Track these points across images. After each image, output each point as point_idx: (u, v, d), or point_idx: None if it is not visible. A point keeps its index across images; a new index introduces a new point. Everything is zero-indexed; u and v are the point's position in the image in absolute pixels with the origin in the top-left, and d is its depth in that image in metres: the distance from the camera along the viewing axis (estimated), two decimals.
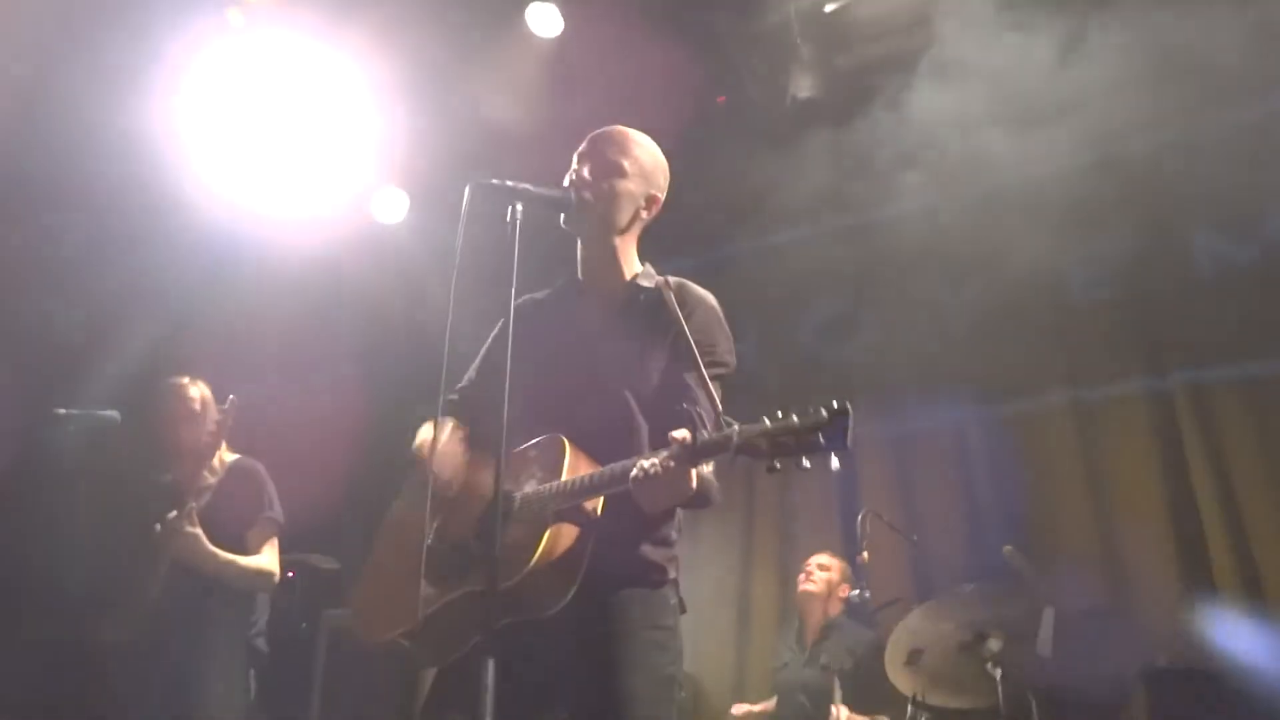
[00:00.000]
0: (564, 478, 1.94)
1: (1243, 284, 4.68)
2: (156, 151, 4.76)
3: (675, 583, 2.12)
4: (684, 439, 1.75)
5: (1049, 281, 5.07)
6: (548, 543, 1.87)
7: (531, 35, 5.00)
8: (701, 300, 2.19)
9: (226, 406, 3.18)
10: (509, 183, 1.96)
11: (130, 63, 4.57)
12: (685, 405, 2.01)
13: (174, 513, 3.01)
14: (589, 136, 2.27)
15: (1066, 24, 4.57)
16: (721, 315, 2.20)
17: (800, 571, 4.66)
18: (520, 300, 2.29)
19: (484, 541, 1.95)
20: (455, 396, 2.35)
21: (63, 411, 3.07)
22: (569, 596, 1.89)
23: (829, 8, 5.07)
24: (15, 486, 3.73)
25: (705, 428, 1.83)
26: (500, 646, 1.85)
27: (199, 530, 3.04)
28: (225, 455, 3.38)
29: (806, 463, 1.66)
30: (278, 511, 3.35)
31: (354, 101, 5.07)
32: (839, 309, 5.76)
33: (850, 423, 1.63)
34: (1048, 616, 3.34)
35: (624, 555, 2.01)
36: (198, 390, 3.39)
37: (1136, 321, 4.90)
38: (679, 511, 2.12)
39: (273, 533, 3.31)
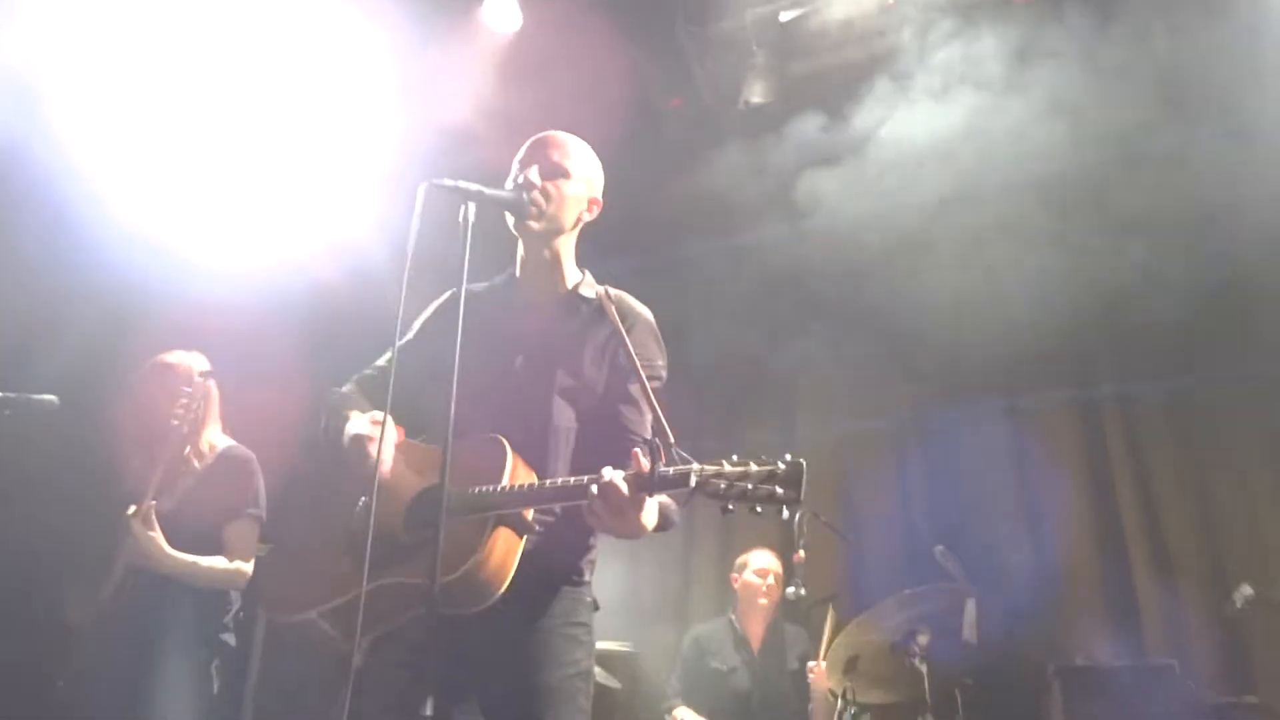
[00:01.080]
0: (505, 483, 1.97)
1: (1170, 299, 4.86)
2: (106, 138, 4.69)
3: (590, 583, 2.19)
4: (640, 467, 1.79)
5: (987, 292, 5.22)
6: (488, 545, 1.91)
7: (488, 30, 5.02)
8: (640, 314, 2.26)
9: (195, 383, 3.06)
10: (462, 183, 1.99)
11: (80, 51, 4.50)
12: (629, 427, 2.09)
13: (131, 509, 2.88)
14: (530, 141, 2.29)
15: (1012, 42, 4.71)
16: (657, 329, 2.27)
17: (738, 571, 4.69)
18: (455, 290, 2.27)
19: (414, 534, 2.01)
20: (371, 372, 2.37)
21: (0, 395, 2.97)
22: (495, 598, 1.94)
23: (784, 16, 5.17)
24: None
25: (661, 458, 1.82)
26: (417, 639, 1.87)
27: (156, 533, 2.89)
28: (217, 440, 3.23)
29: (759, 509, 1.72)
30: (262, 508, 3.17)
31: (310, 94, 5.04)
32: (784, 313, 5.86)
33: (804, 476, 1.70)
34: (970, 607, 3.50)
35: (548, 558, 2.07)
36: (187, 362, 3.22)
37: (1069, 334, 5.06)
38: None
39: (253, 529, 3.14)
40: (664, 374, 2.23)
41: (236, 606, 3.18)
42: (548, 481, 1.97)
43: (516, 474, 1.99)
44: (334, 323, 5.71)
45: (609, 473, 1.82)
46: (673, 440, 1.86)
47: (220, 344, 3.44)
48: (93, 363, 4.18)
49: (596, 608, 2.20)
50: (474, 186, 2.00)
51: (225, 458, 3.20)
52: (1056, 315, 5.10)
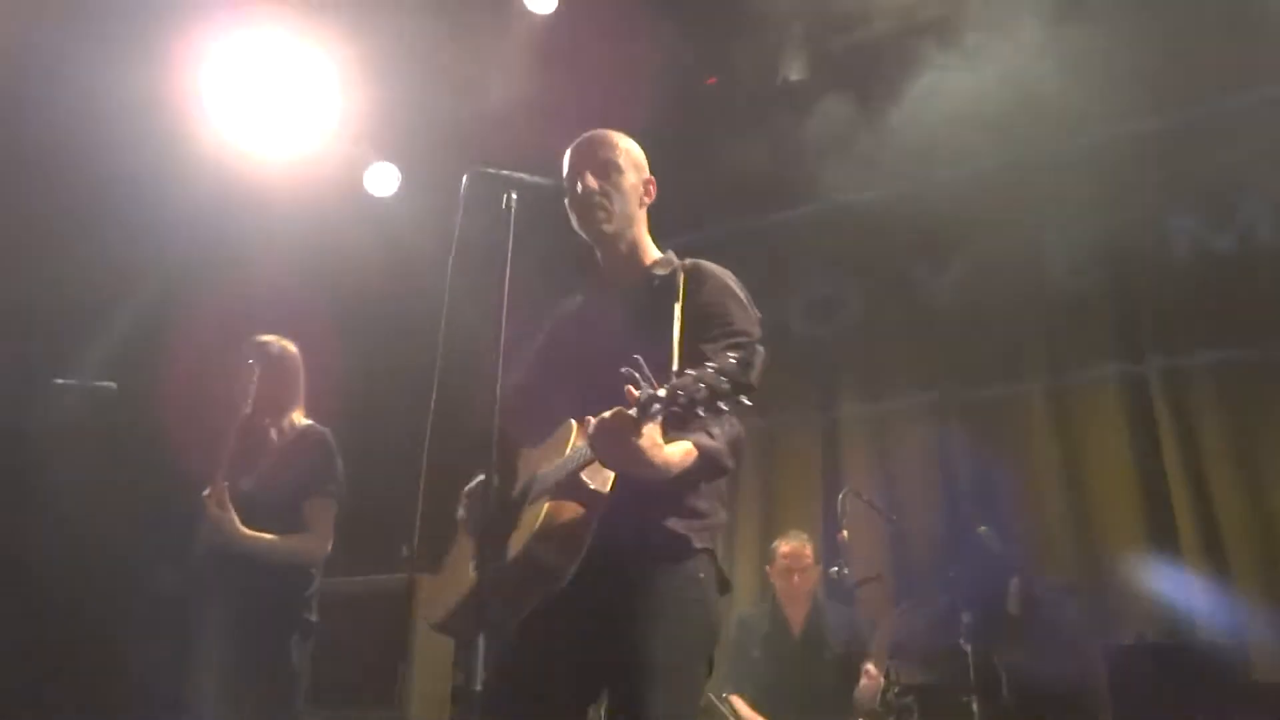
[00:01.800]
0: (565, 456, 2.01)
1: (1218, 270, 4.77)
2: (151, 122, 4.77)
3: (707, 554, 2.10)
4: (629, 393, 1.76)
5: (1029, 267, 5.17)
6: (545, 518, 1.93)
7: (526, 11, 5.02)
8: (713, 274, 2.23)
9: (277, 358, 3.14)
10: (505, 172, 2.02)
11: (125, 32, 4.57)
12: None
13: (207, 492, 2.94)
14: (572, 150, 2.31)
15: (1051, 12, 4.62)
16: (736, 288, 2.23)
17: (770, 561, 4.60)
18: (559, 311, 2.42)
19: (499, 526, 2.03)
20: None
21: (60, 382, 3.06)
22: (572, 570, 1.93)
23: None
24: (13, 459, 3.72)
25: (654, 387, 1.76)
26: (529, 627, 1.98)
27: (230, 513, 2.95)
28: (299, 419, 3.27)
29: (725, 407, 1.70)
30: (340, 484, 3.22)
31: (348, 75, 5.09)
32: (823, 290, 5.83)
33: (756, 363, 1.69)
34: (1014, 585, 3.49)
35: (642, 529, 2.02)
36: (280, 347, 3.28)
37: (1113, 308, 5.00)
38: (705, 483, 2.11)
39: (331, 505, 3.18)
40: (750, 328, 2.14)
41: (317, 583, 3.20)
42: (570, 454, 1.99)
43: (578, 446, 2.02)
44: (373, 305, 5.79)
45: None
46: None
47: (259, 326, 3.50)
48: (142, 346, 4.27)
49: (727, 588, 2.13)
50: (516, 175, 2.02)
51: (304, 436, 3.24)
52: (1101, 288, 5.04)
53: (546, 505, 1.96)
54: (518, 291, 1.99)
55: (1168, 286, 4.87)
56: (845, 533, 4.29)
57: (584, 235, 2.29)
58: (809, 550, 4.54)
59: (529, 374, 2.35)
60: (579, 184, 2.23)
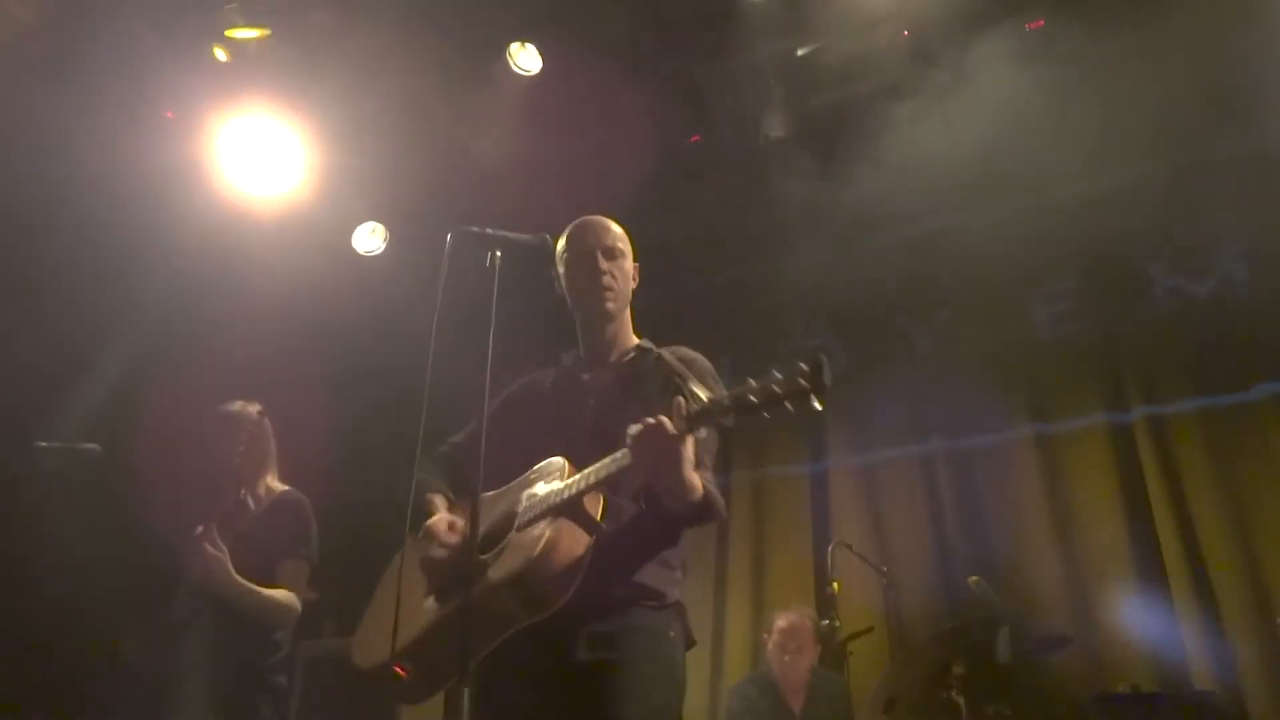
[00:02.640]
0: (568, 480, 2.03)
1: (1198, 318, 4.84)
2: (138, 179, 4.81)
3: (677, 609, 2.13)
4: (680, 404, 1.84)
5: (1013, 318, 5.23)
6: (551, 535, 1.94)
7: (513, 72, 5.10)
8: (697, 359, 2.32)
9: (252, 429, 3.15)
10: (489, 230, 2.05)
11: (113, 91, 4.63)
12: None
13: (199, 529, 2.96)
14: (573, 232, 2.38)
15: (1027, 70, 4.72)
16: (715, 373, 2.31)
17: (768, 631, 4.49)
18: (532, 376, 2.47)
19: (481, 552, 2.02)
20: (446, 449, 2.45)
21: (43, 445, 3.04)
22: (569, 593, 1.93)
23: (801, 51, 5.22)
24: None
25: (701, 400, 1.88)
26: (492, 669, 1.95)
27: (222, 552, 2.97)
28: (275, 485, 3.32)
29: (790, 405, 1.78)
30: (314, 550, 3.25)
31: (336, 135, 5.15)
32: (809, 343, 5.87)
33: (825, 367, 1.77)
34: (1003, 634, 3.47)
35: (621, 574, 2.05)
36: (248, 412, 3.31)
37: (1098, 357, 5.04)
38: (683, 540, 2.17)
39: (304, 569, 3.21)
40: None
41: (286, 650, 3.21)
42: (598, 463, 2.00)
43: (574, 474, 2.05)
44: (362, 365, 5.80)
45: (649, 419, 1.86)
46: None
47: (247, 384, 3.51)
48: (126, 405, 4.27)
49: (691, 643, 2.16)
50: (499, 233, 2.06)
51: (281, 501, 3.27)
52: (1085, 337, 5.09)
53: (551, 523, 1.96)
54: (501, 348, 2.01)
55: (1150, 335, 4.93)
56: (836, 585, 4.27)
57: (578, 311, 2.36)
58: (809, 626, 4.41)
59: (490, 427, 2.28)
60: (590, 263, 2.31)
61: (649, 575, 2.10)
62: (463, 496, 2.25)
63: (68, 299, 4.74)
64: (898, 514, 5.19)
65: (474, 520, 1.92)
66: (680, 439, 1.85)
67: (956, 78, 4.80)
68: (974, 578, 3.98)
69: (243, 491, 3.19)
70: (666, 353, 2.28)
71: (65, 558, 3.49)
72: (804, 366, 1.78)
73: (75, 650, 3.28)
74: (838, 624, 4.31)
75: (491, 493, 2.20)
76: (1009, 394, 5.14)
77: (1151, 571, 4.46)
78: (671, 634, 2.10)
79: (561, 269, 2.38)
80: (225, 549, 2.97)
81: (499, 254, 2.03)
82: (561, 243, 2.40)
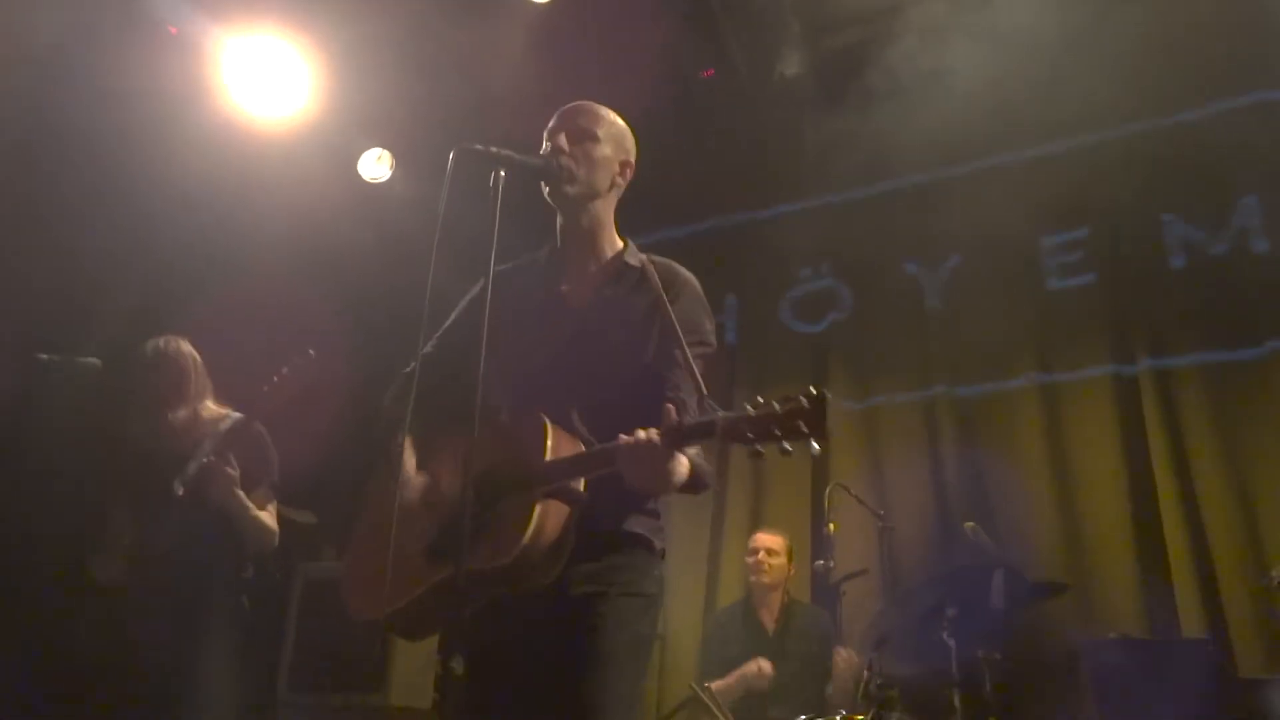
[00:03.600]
0: (548, 458, 1.96)
1: (1211, 274, 4.78)
2: (144, 111, 4.75)
3: (660, 553, 2.15)
4: (671, 420, 1.81)
5: (1022, 266, 5.18)
6: (537, 521, 1.90)
7: (523, 1, 5.00)
8: (687, 281, 2.24)
9: (299, 362, 3.16)
10: (493, 149, 2.00)
11: (119, 21, 4.56)
12: (670, 390, 2.05)
13: (211, 456, 3.04)
14: (558, 112, 2.30)
15: (1048, 13, 4.62)
16: (703, 296, 2.25)
17: (748, 554, 4.63)
18: (497, 269, 2.36)
19: (474, 521, 1.96)
20: (410, 368, 2.35)
21: (44, 357, 3.05)
22: (559, 570, 1.94)
23: None
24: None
25: (688, 412, 1.88)
26: (485, 622, 1.93)
27: (236, 472, 3.08)
28: (218, 409, 3.37)
29: (788, 447, 1.73)
30: (276, 474, 3.35)
31: (343, 61, 5.07)
32: (815, 285, 5.83)
33: (828, 409, 1.70)
34: (998, 577, 3.49)
35: (608, 526, 2.05)
36: (177, 346, 3.37)
37: (1106, 309, 5.00)
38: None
39: (273, 496, 3.32)
40: (713, 340, 2.22)
41: (252, 572, 3.32)
42: (587, 450, 1.98)
43: (560, 447, 1.99)
44: (366, 290, 5.79)
45: (640, 433, 1.84)
46: (705, 392, 1.89)
47: (254, 309, 3.51)
48: (139, 327, 4.27)
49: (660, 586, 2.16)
50: (505, 152, 2.01)
51: (239, 430, 3.26)
52: (1094, 289, 5.05)
53: (536, 511, 1.92)
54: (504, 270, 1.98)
55: (1160, 289, 4.88)
56: (832, 526, 4.29)
57: (549, 201, 2.25)
58: (779, 544, 4.56)
59: (460, 341, 2.24)
60: (549, 144, 2.22)
61: (637, 523, 2.11)
62: (430, 428, 2.16)
63: (75, 220, 4.72)
64: (897, 458, 5.19)
65: (465, 472, 1.82)
66: (669, 455, 1.83)
67: (976, 20, 4.70)
68: (970, 523, 4.00)
69: (183, 413, 3.24)
70: (653, 268, 2.19)
71: (54, 468, 3.52)
72: (805, 403, 1.71)
73: (45, 560, 3.33)
74: (833, 564, 4.33)
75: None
76: (1015, 342, 5.10)
77: (1148, 523, 4.47)
78: (655, 573, 2.13)
79: None
80: (237, 469, 3.06)
81: (504, 174, 1.98)
82: None
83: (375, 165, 5.59)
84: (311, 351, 3.19)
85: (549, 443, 1.98)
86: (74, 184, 4.73)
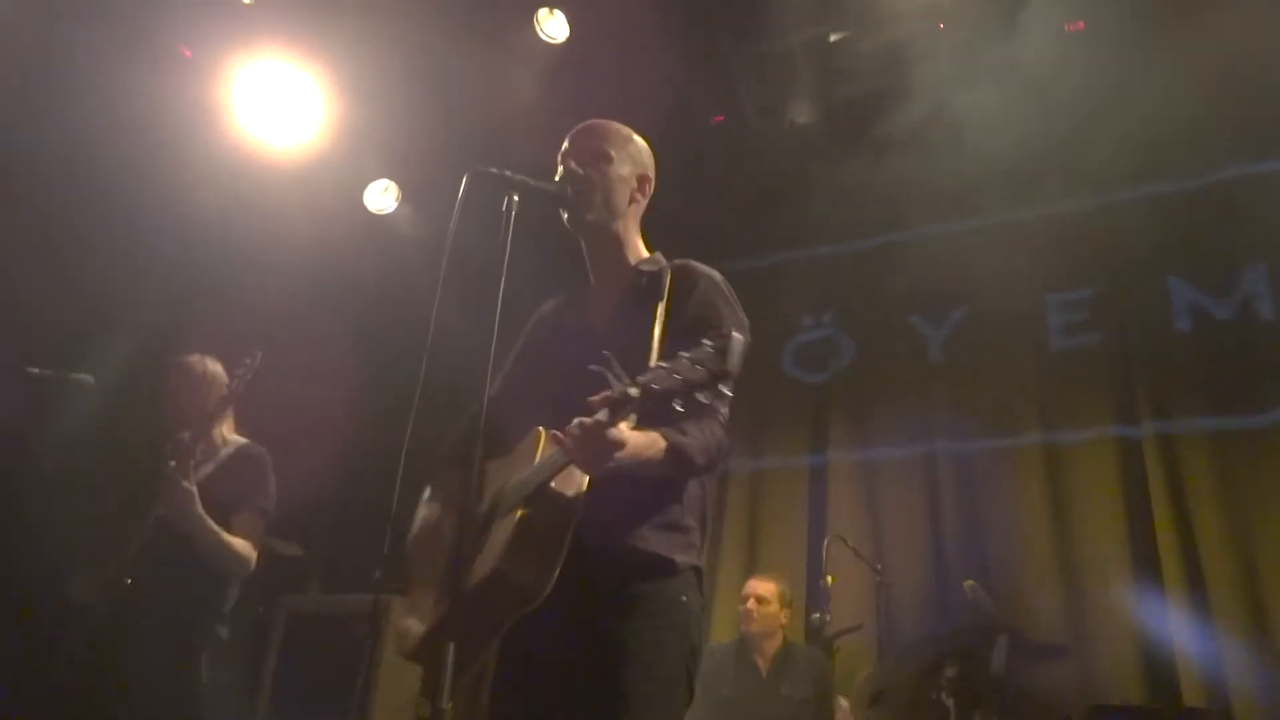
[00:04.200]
0: (534, 466, 1.92)
1: (1217, 339, 4.76)
2: (155, 135, 4.75)
3: (692, 571, 2.02)
4: (592, 402, 1.72)
5: (1029, 323, 5.15)
6: (516, 529, 1.85)
7: (538, 39, 5.03)
8: (703, 274, 2.17)
9: (248, 361, 3.11)
10: (507, 173, 1.97)
11: (131, 44, 4.57)
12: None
13: (174, 463, 2.96)
14: (570, 134, 2.26)
15: (1061, 73, 4.65)
16: (726, 289, 2.17)
17: (740, 600, 4.52)
18: (540, 312, 2.35)
19: (469, 546, 1.92)
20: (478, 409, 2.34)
21: (35, 371, 2.99)
22: (551, 581, 1.84)
23: (834, 37, 5.14)
24: None
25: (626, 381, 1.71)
26: (506, 646, 1.92)
27: (195, 489, 2.98)
28: (233, 436, 3.34)
29: (705, 399, 1.64)
30: (270, 503, 3.27)
31: (353, 92, 5.08)
32: (820, 334, 5.80)
33: (733, 347, 1.62)
34: (1001, 642, 3.41)
35: (622, 544, 1.95)
36: (203, 365, 3.35)
37: (1111, 369, 4.97)
38: (696, 494, 2.06)
39: (259, 522, 3.23)
40: (731, 329, 1.95)
41: (233, 602, 3.24)
42: (540, 462, 1.91)
43: (548, 455, 1.92)
44: (374, 319, 5.75)
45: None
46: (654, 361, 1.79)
47: (263, 331, 3.48)
48: (146, 349, 4.23)
49: (702, 608, 2.04)
50: (519, 176, 1.98)
51: (241, 453, 3.30)
52: (1100, 349, 5.02)
53: (517, 518, 1.86)
54: (513, 298, 1.94)
55: (1167, 352, 4.85)
56: (829, 579, 4.22)
57: (571, 229, 2.21)
58: (770, 591, 4.45)
59: (504, 385, 2.25)
60: (563, 168, 2.18)
61: (657, 542, 1.99)
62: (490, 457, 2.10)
63: (81, 241, 4.70)
64: (896, 513, 5.12)
65: (465, 505, 1.82)
66: (603, 434, 1.73)
67: (991, 77, 4.72)
68: (969, 581, 3.93)
69: (197, 436, 3.16)
70: (670, 270, 2.12)
71: (44, 485, 3.46)
72: (710, 347, 1.63)
73: (25, 575, 3.26)
74: (828, 618, 4.25)
75: (503, 459, 2.09)
76: (1018, 400, 5.06)
77: (1151, 588, 4.39)
78: (684, 599, 1.99)
79: None
80: (195, 487, 2.98)
81: (516, 199, 1.95)
82: None
83: (381, 197, 5.58)
84: (259, 353, 3.16)
85: (539, 451, 1.94)
86: (82, 204, 4.71)
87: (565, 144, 2.26)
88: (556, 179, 2.21)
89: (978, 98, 4.68)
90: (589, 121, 2.28)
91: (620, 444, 1.76)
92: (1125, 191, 5.06)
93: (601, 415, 1.72)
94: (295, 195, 5.26)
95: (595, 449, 1.75)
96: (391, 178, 5.60)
